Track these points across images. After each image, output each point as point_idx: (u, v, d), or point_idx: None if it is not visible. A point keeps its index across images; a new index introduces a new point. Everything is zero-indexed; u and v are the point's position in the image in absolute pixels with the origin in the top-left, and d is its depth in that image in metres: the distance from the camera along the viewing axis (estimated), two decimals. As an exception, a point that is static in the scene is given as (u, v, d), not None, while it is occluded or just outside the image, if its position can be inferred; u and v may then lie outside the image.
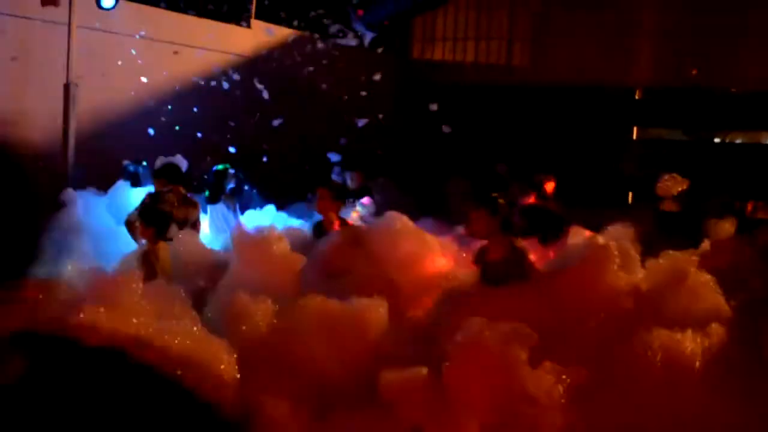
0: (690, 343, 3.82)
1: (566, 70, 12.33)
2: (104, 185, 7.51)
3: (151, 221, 5.52)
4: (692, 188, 11.03)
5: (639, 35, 12.00)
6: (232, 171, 7.84)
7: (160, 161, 7.20)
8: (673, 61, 11.75)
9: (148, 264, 5.19)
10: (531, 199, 8.78)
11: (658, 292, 4.47)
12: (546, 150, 12.32)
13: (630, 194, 12.32)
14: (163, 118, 8.97)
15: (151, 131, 8.78)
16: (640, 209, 11.56)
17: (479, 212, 4.79)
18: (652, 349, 3.76)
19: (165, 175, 6.86)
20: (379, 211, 7.81)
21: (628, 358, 3.79)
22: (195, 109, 9.29)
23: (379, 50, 11.33)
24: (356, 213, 7.81)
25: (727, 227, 7.26)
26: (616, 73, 12.08)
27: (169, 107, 9.11)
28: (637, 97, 12.41)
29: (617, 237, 5.32)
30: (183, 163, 7.28)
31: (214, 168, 7.83)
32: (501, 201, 4.83)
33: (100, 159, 7.98)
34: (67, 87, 7.85)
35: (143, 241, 5.60)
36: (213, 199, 7.62)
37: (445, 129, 11.16)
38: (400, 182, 10.17)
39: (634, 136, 12.49)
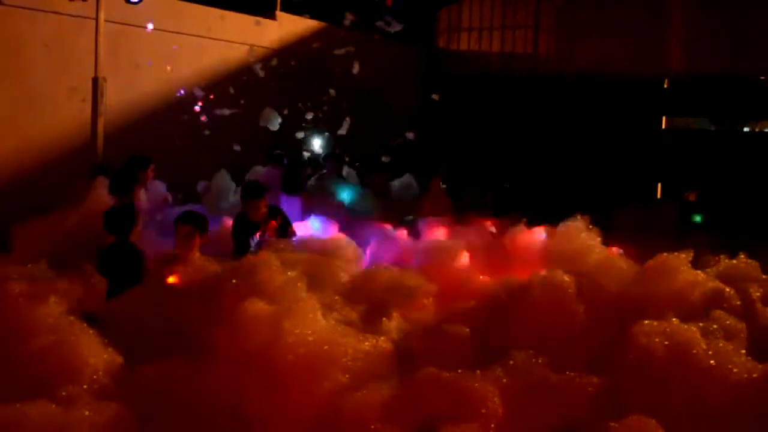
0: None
1: (593, 59, 12.21)
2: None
3: None
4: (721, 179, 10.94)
5: (667, 23, 11.84)
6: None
7: None
8: (701, 49, 11.58)
9: None
10: None
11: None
12: (573, 140, 12.25)
13: (659, 185, 12.20)
14: (189, 112, 9.02)
15: (178, 126, 8.84)
16: (668, 200, 11.48)
17: None
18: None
19: None
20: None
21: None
22: (221, 102, 9.33)
23: (405, 41, 11.30)
24: None
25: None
26: (644, 62, 11.94)
27: (196, 100, 9.15)
28: (665, 87, 12.25)
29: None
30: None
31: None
32: None
33: (129, 153, 8.04)
34: (95, 81, 7.92)
35: None
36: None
37: (470, 119, 11.11)
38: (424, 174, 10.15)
39: (663, 126, 12.34)
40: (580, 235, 5.32)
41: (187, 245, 4.99)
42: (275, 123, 9.16)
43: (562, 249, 5.43)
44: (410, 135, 10.06)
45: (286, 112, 9.52)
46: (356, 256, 5.88)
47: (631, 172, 11.90)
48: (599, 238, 5.33)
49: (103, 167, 7.47)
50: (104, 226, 5.63)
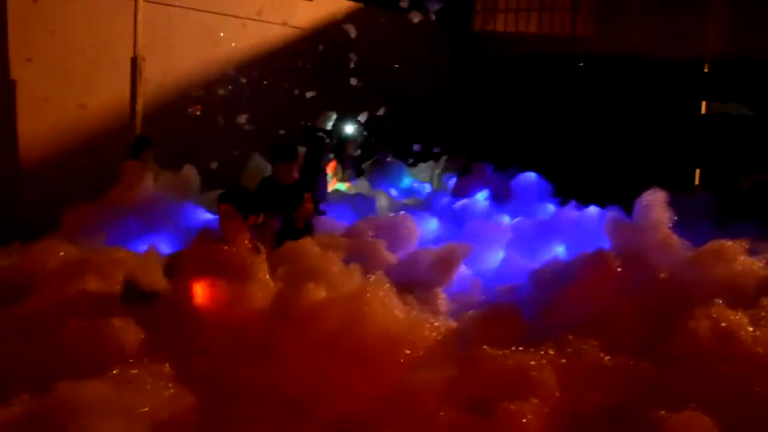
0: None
1: (632, 42, 11.99)
2: (169, 161, 7.61)
3: None
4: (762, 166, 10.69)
5: (708, 5, 11.59)
6: None
7: None
8: (744, 32, 11.31)
9: None
10: None
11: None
12: (610, 124, 12.07)
13: (697, 172, 12.00)
14: (225, 92, 9.04)
15: (216, 106, 8.86)
16: (707, 187, 11.27)
17: None
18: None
19: None
20: None
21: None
22: (258, 83, 9.35)
23: (441, 23, 11.22)
24: None
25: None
26: (684, 44, 11.70)
27: (232, 81, 9.17)
28: (705, 70, 12.01)
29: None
30: None
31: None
32: None
33: (166, 133, 8.10)
34: (134, 61, 7.97)
35: None
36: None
37: (505, 101, 11.00)
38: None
39: (703, 111, 12.11)
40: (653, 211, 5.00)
41: (229, 227, 4.61)
42: (330, 123, 9.25)
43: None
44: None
45: (321, 93, 9.52)
46: (413, 235, 5.71)
47: (668, 157, 11.70)
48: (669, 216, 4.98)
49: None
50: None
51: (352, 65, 9.56)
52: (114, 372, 3.38)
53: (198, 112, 8.37)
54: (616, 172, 11.09)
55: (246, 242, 4.58)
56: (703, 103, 12.10)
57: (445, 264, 4.61)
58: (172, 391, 3.36)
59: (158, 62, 8.24)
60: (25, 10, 7.15)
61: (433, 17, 10.02)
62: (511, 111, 12.68)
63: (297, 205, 5.89)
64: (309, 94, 9.40)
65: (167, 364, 3.54)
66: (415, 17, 9.60)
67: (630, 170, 11.18)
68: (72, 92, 7.69)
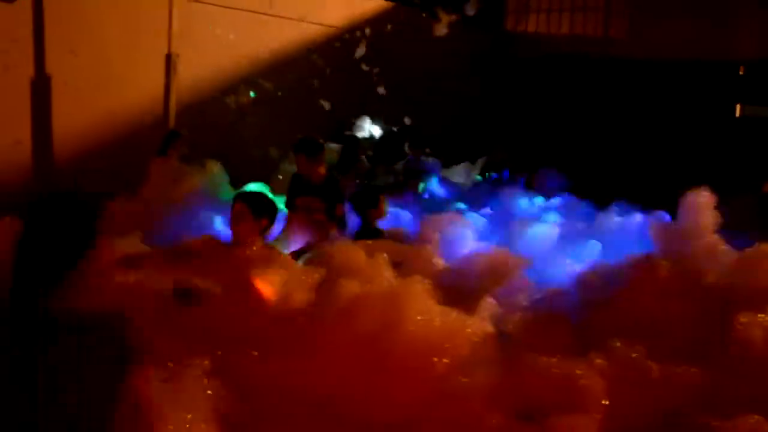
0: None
1: (665, 43, 11.83)
2: (203, 156, 7.59)
3: None
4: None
5: (742, 7, 11.40)
6: None
7: None
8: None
9: None
10: None
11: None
12: (642, 127, 11.93)
13: (731, 176, 11.80)
14: (260, 90, 9.03)
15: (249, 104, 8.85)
16: (742, 193, 11.08)
17: None
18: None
19: None
20: None
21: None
22: (289, 82, 9.32)
23: (473, 23, 11.13)
24: None
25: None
26: (719, 46, 11.52)
27: (264, 79, 9.16)
28: (741, 73, 11.83)
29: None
30: None
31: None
32: None
33: (200, 129, 8.11)
34: (168, 58, 7.97)
35: None
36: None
37: (536, 102, 10.89)
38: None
39: (737, 114, 11.93)
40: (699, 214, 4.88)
41: (240, 227, 4.52)
42: (367, 130, 9.25)
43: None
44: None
45: (351, 92, 9.49)
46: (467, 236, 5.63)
47: (701, 161, 11.54)
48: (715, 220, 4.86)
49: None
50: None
51: (385, 66, 9.53)
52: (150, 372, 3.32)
53: (245, 103, 8.37)
54: (649, 175, 10.95)
55: (256, 246, 4.46)
56: (738, 106, 11.93)
57: (497, 273, 4.53)
58: (210, 392, 3.32)
59: (192, 59, 8.24)
60: (61, 6, 7.17)
61: (470, 16, 9.96)
62: (538, 113, 12.59)
63: (369, 206, 5.85)
64: (344, 95, 9.40)
65: (206, 362, 3.51)
66: (449, 20, 9.55)
67: (663, 174, 11.03)
68: (107, 88, 7.71)
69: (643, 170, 11.24)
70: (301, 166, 6.07)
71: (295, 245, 5.55)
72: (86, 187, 7.07)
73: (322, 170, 6.10)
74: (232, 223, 4.58)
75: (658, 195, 7.10)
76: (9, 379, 2.54)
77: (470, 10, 9.48)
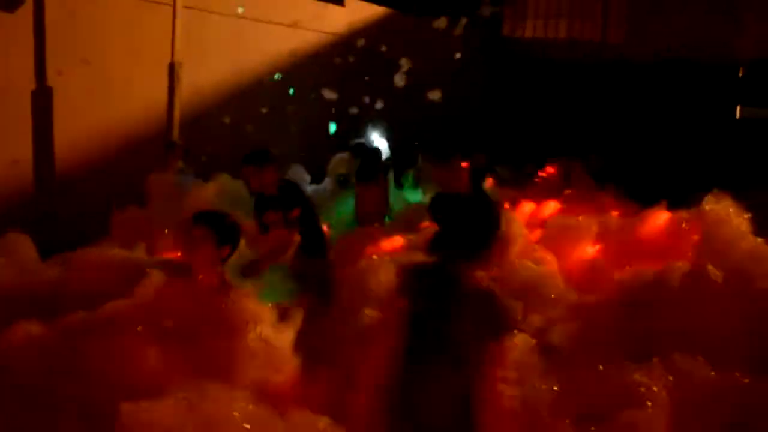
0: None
1: (664, 45, 11.83)
2: (205, 167, 7.46)
3: None
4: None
5: (743, 7, 11.42)
6: None
7: None
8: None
9: None
10: None
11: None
12: (642, 130, 11.91)
13: (731, 178, 11.79)
14: (262, 99, 8.92)
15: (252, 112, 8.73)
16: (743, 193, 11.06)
17: None
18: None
19: None
20: None
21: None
22: (291, 88, 9.23)
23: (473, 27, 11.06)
24: None
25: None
26: (719, 48, 11.53)
27: (267, 87, 9.05)
28: (740, 75, 11.84)
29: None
30: None
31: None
32: None
33: (204, 138, 7.96)
34: (171, 67, 7.81)
35: None
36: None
37: (535, 106, 10.82)
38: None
39: (737, 116, 11.94)
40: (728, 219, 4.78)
41: (196, 254, 3.63)
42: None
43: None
44: None
45: (354, 99, 9.38)
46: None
47: (701, 162, 11.52)
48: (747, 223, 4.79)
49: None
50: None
51: (389, 71, 9.43)
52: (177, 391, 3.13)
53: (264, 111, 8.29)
54: (649, 176, 10.91)
55: (216, 272, 3.67)
56: (738, 108, 11.94)
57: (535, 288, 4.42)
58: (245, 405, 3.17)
59: (194, 68, 8.10)
60: (63, 16, 7.02)
61: (470, 25, 9.91)
62: (537, 116, 12.56)
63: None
64: (346, 104, 9.30)
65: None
66: (456, 26, 9.49)
67: (663, 176, 10.99)
68: (111, 97, 7.56)
69: (642, 171, 11.21)
70: (252, 179, 5.53)
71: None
72: (90, 199, 6.97)
73: (273, 178, 5.53)
74: (186, 250, 3.74)
75: (659, 196, 7.05)
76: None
77: (482, 19, 9.41)
